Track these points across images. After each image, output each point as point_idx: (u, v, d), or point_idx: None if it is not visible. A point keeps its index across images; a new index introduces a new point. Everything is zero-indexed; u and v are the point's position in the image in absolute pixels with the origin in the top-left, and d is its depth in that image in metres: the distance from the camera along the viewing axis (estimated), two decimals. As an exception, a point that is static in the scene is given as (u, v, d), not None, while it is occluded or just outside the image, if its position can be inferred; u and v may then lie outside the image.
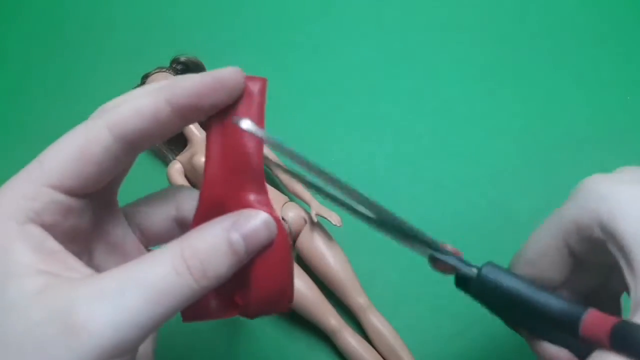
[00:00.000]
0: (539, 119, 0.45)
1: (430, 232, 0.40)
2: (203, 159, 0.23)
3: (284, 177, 0.39)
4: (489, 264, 0.23)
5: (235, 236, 0.19)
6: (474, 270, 0.23)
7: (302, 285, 0.36)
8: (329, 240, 0.37)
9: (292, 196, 0.39)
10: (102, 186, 0.20)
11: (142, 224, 0.23)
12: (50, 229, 0.19)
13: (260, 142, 0.21)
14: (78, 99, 0.45)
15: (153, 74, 0.42)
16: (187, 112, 0.19)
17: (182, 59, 0.43)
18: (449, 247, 0.24)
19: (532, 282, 0.22)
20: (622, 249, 0.20)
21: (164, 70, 0.42)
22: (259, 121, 0.21)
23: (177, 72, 0.43)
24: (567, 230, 0.22)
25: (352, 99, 0.46)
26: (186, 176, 0.40)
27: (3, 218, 0.18)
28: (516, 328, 0.25)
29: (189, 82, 0.19)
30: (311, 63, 0.47)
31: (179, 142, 0.41)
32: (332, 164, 0.43)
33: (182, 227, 0.23)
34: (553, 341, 0.23)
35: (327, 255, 0.37)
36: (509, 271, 0.23)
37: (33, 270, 0.17)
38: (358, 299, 0.36)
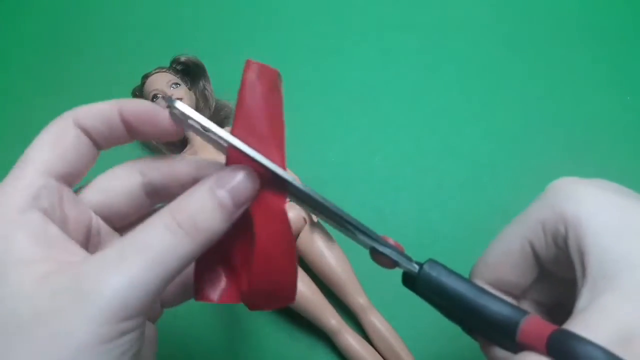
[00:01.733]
0: (539, 119, 0.45)
1: (431, 232, 0.40)
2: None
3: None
4: (431, 261, 0.23)
5: (221, 192, 0.19)
6: (415, 267, 0.22)
7: (302, 286, 0.36)
8: (329, 240, 0.37)
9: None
10: (81, 179, 0.22)
11: (106, 202, 0.23)
12: (50, 213, 0.19)
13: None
14: (78, 98, 0.45)
15: (153, 74, 0.42)
16: (131, 128, 0.22)
17: (182, 59, 0.43)
18: (391, 240, 0.23)
19: (475, 284, 0.22)
20: (580, 249, 0.19)
21: (164, 70, 0.42)
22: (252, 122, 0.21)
23: (177, 72, 0.43)
24: (533, 230, 0.22)
25: (352, 98, 0.46)
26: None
27: (4, 208, 0.19)
28: (471, 332, 0.24)
29: (136, 103, 0.22)
30: (311, 63, 0.47)
31: (180, 142, 0.41)
32: (331, 163, 0.43)
33: (152, 196, 0.23)
34: (506, 347, 0.22)
35: (327, 255, 0.37)
36: (451, 271, 0.22)
37: (35, 257, 0.18)
38: (358, 299, 0.36)
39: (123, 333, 0.17)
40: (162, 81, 0.41)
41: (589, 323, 0.18)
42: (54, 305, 0.17)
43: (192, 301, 0.38)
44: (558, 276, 0.23)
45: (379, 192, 0.42)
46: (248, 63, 0.21)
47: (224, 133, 0.20)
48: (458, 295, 0.21)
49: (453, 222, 0.41)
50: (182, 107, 0.20)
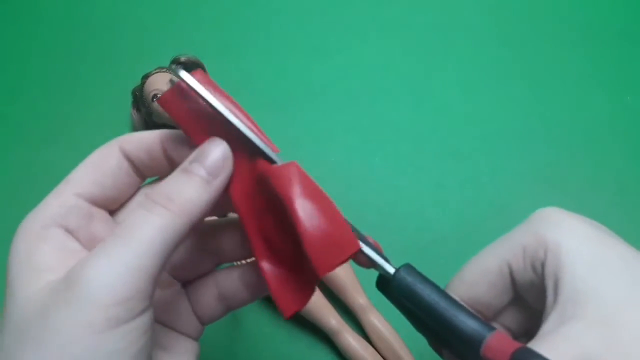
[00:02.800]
0: (539, 119, 0.45)
1: (430, 232, 0.40)
2: None
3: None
4: (408, 265, 0.22)
5: (187, 164, 0.20)
6: (392, 269, 0.22)
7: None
8: (329, 240, 0.37)
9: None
10: (119, 203, 0.22)
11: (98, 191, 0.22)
12: (74, 232, 0.20)
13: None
14: (78, 98, 0.45)
15: (153, 74, 0.42)
16: (171, 159, 0.22)
17: (182, 59, 0.43)
18: (371, 239, 0.23)
19: (449, 295, 0.22)
20: (556, 274, 0.21)
21: (164, 70, 0.42)
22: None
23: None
24: (513, 252, 0.23)
25: (352, 99, 0.46)
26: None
27: (30, 226, 0.20)
28: (437, 348, 0.24)
29: (174, 135, 0.22)
30: (311, 63, 0.47)
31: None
32: (332, 163, 0.43)
33: (136, 173, 0.23)
34: None
35: (327, 256, 0.37)
36: (427, 278, 0.22)
37: (50, 266, 0.19)
38: (358, 299, 0.36)
39: (116, 322, 0.17)
40: (162, 81, 0.41)
41: (553, 345, 0.19)
42: (50, 301, 0.17)
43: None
44: (529, 304, 0.24)
45: (379, 192, 0.42)
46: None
47: (215, 102, 0.20)
48: (430, 303, 0.21)
49: (452, 223, 0.41)
50: (185, 75, 0.20)
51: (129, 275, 0.17)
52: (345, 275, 0.37)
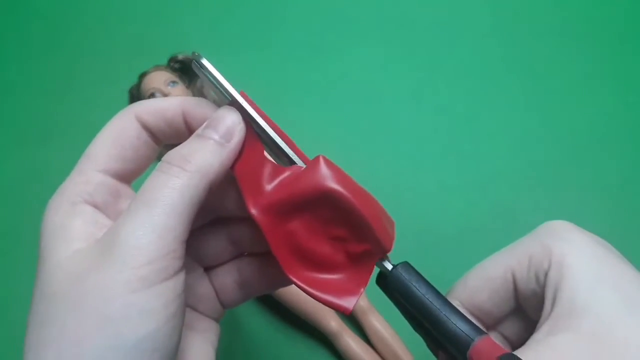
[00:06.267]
0: (540, 119, 0.44)
1: (431, 233, 0.40)
2: None
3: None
4: (406, 263, 0.23)
5: (201, 130, 0.21)
6: (389, 266, 0.23)
7: (302, 287, 0.35)
8: (328, 241, 0.37)
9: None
10: (140, 174, 0.22)
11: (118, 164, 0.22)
12: (103, 209, 0.21)
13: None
14: (75, 97, 0.45)
15: (150, 72, 0.41)
16: (192, 128, 0.22)
17: (180, 57, 0.42)
18: None
19: (443, 296, 0.22)
20: (557, 285, 0.21)
21: (161, 68, 0.42)
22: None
23: (175, 71, 0.42)
24: (519, 261, 0.23)
25: (352, 99, 0.45)
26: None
27: (60, 202, 0.20)
28: (434, 349, 0.24)
29: (200, 104, 0.22)
30: (311, 62, 0.47)
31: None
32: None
33: (155, 141, 0.23)
34: None
35: (327, 257, 0.36)
36: (423, 277, 0.23)
37: (81, 236, 0.19)
38: (359, 300, 0.36)
39: (150, 282, 0.17)
40: (159, 79, 0.40)
41: (540, 354, 0.19)
42: (84, 265, 0.18)
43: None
44: (529, 315, 0.24)
45: (379, 192, 0.41)
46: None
47: (233, 91, 0.21)
48: (423, 302, 0.22)
49: (454, 223, 0.40)
50: (207, 63, 0.21)
51: (156, 236, 0.18)
52: (345, 276, 0.36)
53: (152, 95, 0.40)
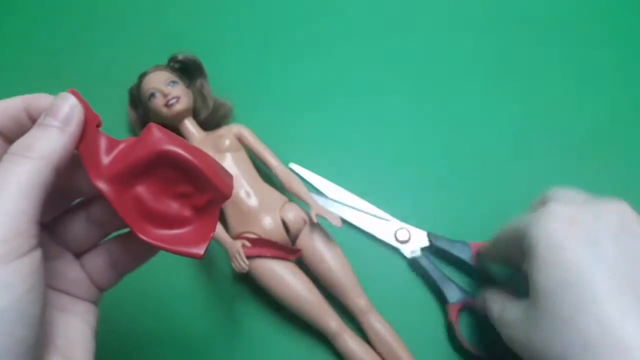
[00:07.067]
0: (540, 118, 0.44)
1: (432, 231, 0.40)
2: None
3: (283, 178, 0.38)
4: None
5: (41, 119, 0.22)
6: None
7: (302, 287, 0.35)
8: (328, 241, 0.37)
9: (291, 196, 0.38)
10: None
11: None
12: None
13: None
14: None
15: (150, 72, 0.41)
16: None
17: (180, 57, 0.42)
18: None
19: (443, 272, 0.38)
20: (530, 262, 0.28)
21: (161, 68, 0.42)
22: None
23: (175, 71, 0.42)
24: (518, 229, 0.30)
25: (352, 99, 0.45)
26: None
27: None
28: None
29: (40, 99, 0.23)
30: (311, 62, 0.47)
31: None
32: (332, 163, 0.42)
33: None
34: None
35: (327, 257, 0.36)
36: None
37: None
38: (358, 300, 0.36)
39: (7, 259, 0.19)
40: (159, 79, 0.40)
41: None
42: None
43: (192, 305, 0.38)
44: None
45: (379, 191, 0.42)
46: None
47: None
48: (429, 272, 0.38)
49: (454, 223, 0.40)
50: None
51: (8, 218, 0.19)
52: (345, 276, 0.36)
53: (152, 95, 0.40)
